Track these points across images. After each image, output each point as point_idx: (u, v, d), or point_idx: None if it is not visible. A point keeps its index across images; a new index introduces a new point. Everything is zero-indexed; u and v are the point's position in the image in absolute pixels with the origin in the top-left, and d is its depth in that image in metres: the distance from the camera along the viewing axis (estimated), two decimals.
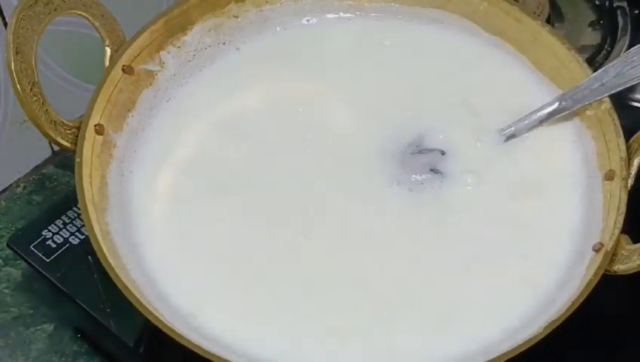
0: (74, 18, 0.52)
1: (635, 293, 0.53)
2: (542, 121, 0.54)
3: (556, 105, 0.53)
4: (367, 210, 0.51)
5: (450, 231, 0.51)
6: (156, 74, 0.56)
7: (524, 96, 0.56)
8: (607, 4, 0.69)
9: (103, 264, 0.44)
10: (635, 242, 0.46)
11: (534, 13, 0.59)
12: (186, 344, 0.42)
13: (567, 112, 0.53)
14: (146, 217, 0.51)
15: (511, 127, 0.54)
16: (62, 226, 0.57)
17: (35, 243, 0.56)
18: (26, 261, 0.56)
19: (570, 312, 0.43)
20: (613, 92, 0.51)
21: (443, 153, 0.54)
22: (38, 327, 0.59)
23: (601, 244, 0.46)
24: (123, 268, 0.46)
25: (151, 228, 0.51)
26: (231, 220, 0.51)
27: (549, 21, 0.64)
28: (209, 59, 0.59)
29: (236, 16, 0.59)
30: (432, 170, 0.53)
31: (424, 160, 0.53)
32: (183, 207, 0.52)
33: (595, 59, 0.66)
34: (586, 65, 0.54)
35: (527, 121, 0.54)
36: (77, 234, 0.57)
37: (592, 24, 0.69)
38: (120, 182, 0.52)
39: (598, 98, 0.51)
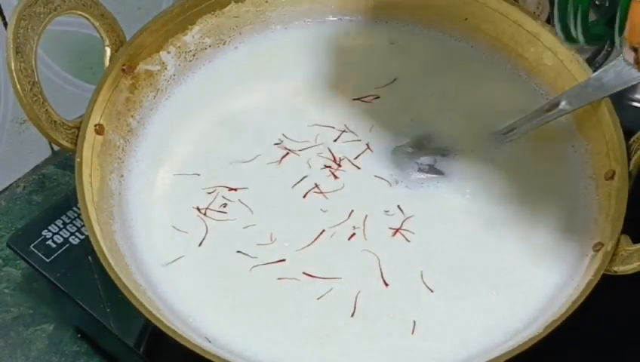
0: (74, 18, 0.52)
1: (635, 293, 0.52)
2: (542, 122, 0.54)
3: (556, 105, 0.53)
4: (364, 210, 0.51)
5: (449, 232, 0.51)
6: (156, 74, 0.56)
7: (524, 96, 0.57)
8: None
9: (103, 264, 0.45)
10: (635, 242, 0.46)
11: (534, 13, 0.59)
12: (185, 344, 0.42)
13: (567, 112, 0.53)
14: (146, 217, 0.51)
15: (511, 128, 0.54)
16: (62, 226, 0.57)
17: (35, 243, 0.56)
18: (25, 261, 0.56)
19: (570, 312, 0.43)
20: (613, 92, 0.51)
21: (444, 154, 0.54)
22: (38, 327, 0.59)
23: (601, 244, 0.46)
24: (123, 268, 0.46)
25: (150, 228, 0.51)
26: (229, 219, 0.51)
27: (549, 21, 0.63)
28: (209, 59, 0.59)
29: (236, 17, 0.59)
30: (432, 170, 0.53)
31: (424, 160, 0.53)
32: (182, 207, 0.52)
33: (595, 59, 0.65)
34: (586, 65, 0.54)
35: (526, 122, 0.54)
36: (77, 234, 0.57)
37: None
38: (120, 182, 0.52)
39: (598, 98, 0.51)
